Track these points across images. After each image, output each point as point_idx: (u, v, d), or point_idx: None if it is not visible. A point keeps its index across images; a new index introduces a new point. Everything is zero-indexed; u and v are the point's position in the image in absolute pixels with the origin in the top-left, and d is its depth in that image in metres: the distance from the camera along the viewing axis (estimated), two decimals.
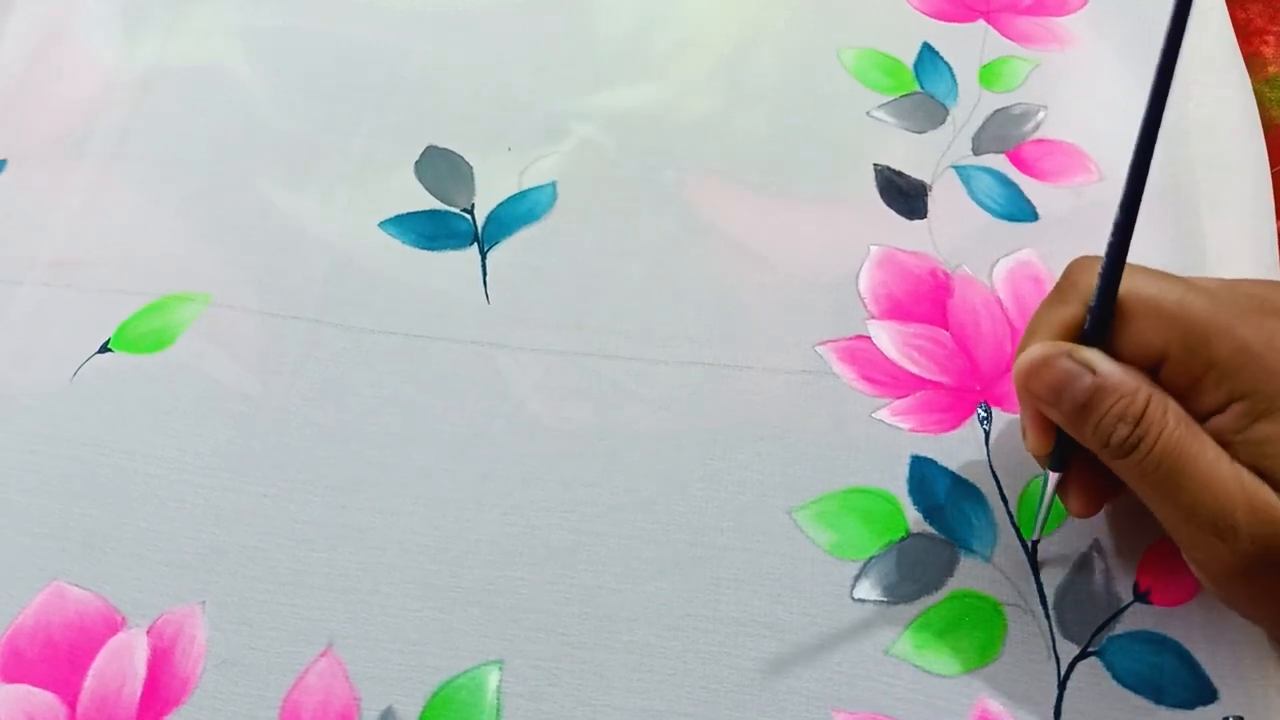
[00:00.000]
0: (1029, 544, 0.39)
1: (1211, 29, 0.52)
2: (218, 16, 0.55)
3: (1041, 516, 0.38)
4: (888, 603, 0.38)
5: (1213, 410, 0.31)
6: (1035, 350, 0.33)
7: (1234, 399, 0.31)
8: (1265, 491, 0.30)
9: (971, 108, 0.50)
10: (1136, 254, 0.45)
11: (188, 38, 0.54)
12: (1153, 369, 0.32)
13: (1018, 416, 0.41)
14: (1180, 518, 0.32)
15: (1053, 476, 0.36)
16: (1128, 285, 0.32)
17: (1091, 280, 0.32)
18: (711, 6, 0.55)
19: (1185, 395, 0.32)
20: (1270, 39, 0.54)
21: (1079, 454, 0.35)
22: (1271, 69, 0.53)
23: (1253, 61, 0.52)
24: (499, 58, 0.53)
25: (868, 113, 0.50)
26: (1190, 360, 0.31)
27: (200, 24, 0.55)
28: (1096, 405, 0.32)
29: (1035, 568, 0.38)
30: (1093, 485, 0.36)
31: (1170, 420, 0.31)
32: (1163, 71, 0.28)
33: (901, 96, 0.51)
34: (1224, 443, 0.31)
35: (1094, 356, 0.32)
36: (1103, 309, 0.32)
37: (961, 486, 0.40)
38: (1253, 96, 0.50)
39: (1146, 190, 0.47)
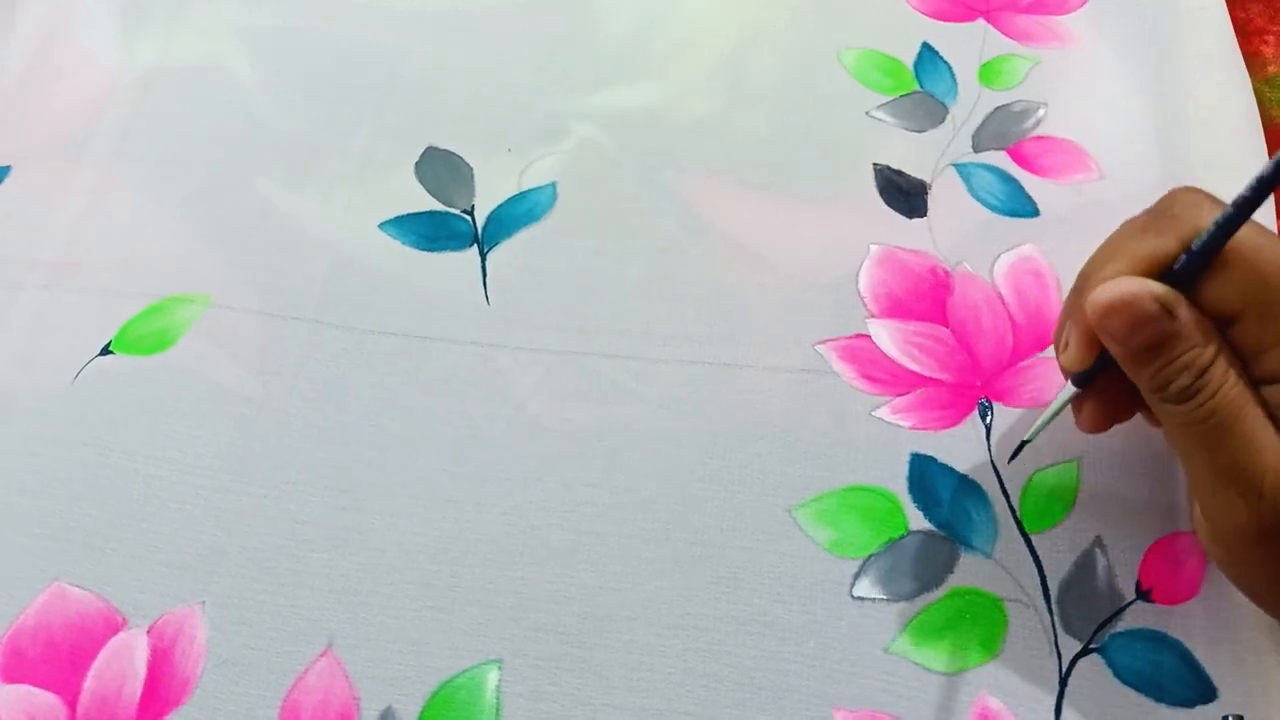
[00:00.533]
0: (1019, 445, 0.40)
1: (1211, 29, 0.52)
2: (218, 17, 0.55)
3: (1045, 422, 0.38)
4: (887, 600, 0.38)
5: (1270, 379, 0.31)
6: (1120, 285, 0.32)
7: None
8: None
9: (971, 106, 0.50)
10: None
11: (188, 38, 0.54)
12: (1224, 322, 0.32)
13: (1019, 412, 0.41)
14: (1212, 471, 0.32)
15: (1068, 390, 0.36)
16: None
17: (1196, 218, 0.31)
18: (711, 6, 0.55)
19: (1248, 357, 0.32)
20: (1270, 39, 0.54)
21: (1105, 375, 0.34)
22: (1271, 68, 0.53)
23: (1253, 61, 0.51)
24: (499, 58, 0.53)
25: (867, 112, 0.50)
26: (1263, 328, 0.31)
27: (200, 24, 0.55)
28: (1167, 350, 0.32)
29: (1039, 562, 0.38)
30: (1109, 406, 0.36)
31: (1231, 378, 0.31)
32: None
33: (901, 96, 0.51)
34: (1271, 412, 0.31)
35: (1176, 301, 0.31)
36: (1204, 258, 0.31)
37: (962, 483, 0.40)
38: (1253, 96, 0.50)
39: (1143, 191, 0.47)
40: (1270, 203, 0.46)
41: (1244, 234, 0.31)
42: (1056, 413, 0.37)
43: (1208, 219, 0.31)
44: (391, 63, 0.53)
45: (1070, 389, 0.36)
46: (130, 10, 0.55)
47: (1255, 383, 0.32)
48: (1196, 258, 0.31)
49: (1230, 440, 0.31)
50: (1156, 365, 0.32)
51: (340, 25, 0.54)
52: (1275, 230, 0.46)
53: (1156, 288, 0.31)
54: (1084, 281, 0.34)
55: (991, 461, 0.41)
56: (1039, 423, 0.39)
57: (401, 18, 0.54)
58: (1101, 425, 0.37)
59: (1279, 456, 0.31)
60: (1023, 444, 0.39)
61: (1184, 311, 0.31)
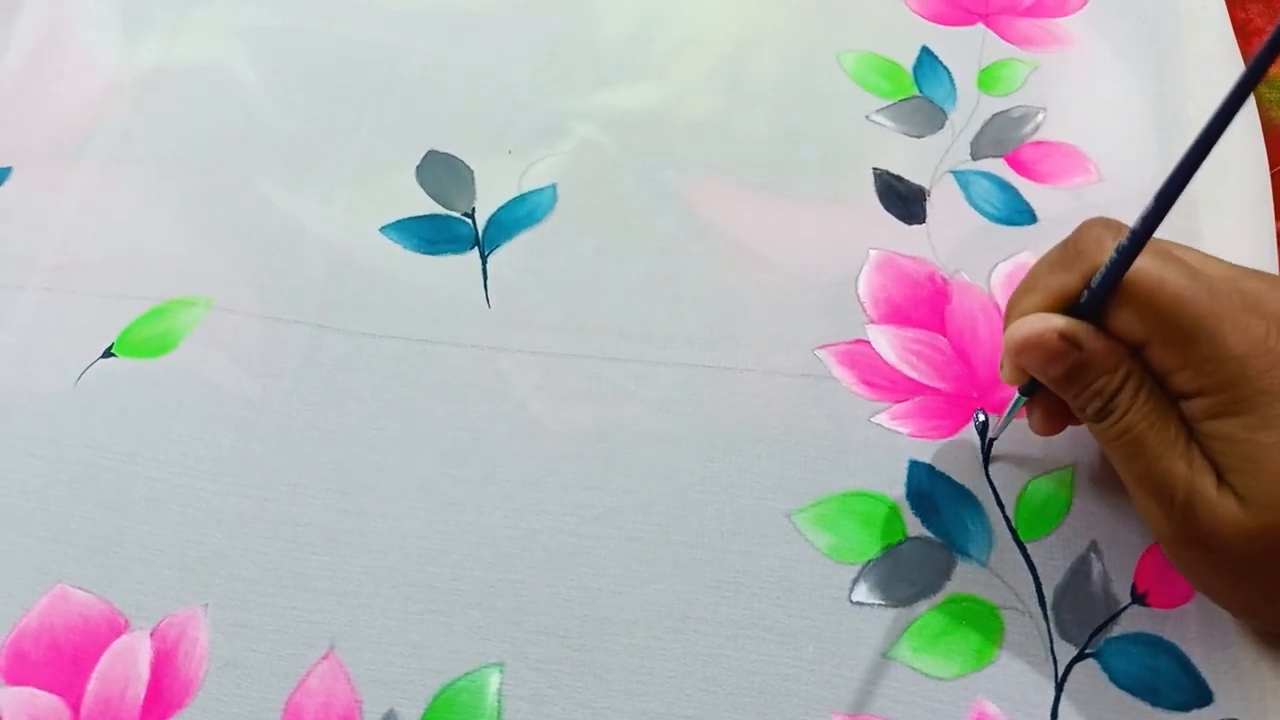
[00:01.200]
0: (988, 443, 0.41)
1: (1211, 29, 0.52)
2: (219, 18, 0.55)
3: (1004, 421, 0.40)
4: (885, 606, 0.38)
5: (1184, 394, 0.33)
6: (1029, 324, 0.34)
7: (1203, 393, 0.32)
8: (1205, 478, 0.33)
9: (970, 112, 0.50)
10: None
11: (189, 39, 0.54)
12: (1136, 345, 0.33)
13: (1015, 422, 0.41)
14: (1133, 481, 0.35)
15: (1017, 398, 0.38)
16: (1133, 264, 0.32)
17: (1098, 256, 0.33)
18: (711, 7, 0.55)
19: (1162, 374, 0.33)
20: None
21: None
22: (1271, 69, 0.53)
23: None
24: (499, 58, 0.53)
25: (867, 116, 0.50)
26: (1167, 353, 0.33)
27: (201, 25, 0.54)
28: (1077, 379, 0.34)
29: (1034, 570, 0.39)
30: (1056, 411, 0.38)
31: (1140, 399, 0.33)
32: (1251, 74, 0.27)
33: (900, 101, 0.51)
34: (1190, 425, 0.33)
35: (1082, 333, 0.33)
36: (1103, 294, 0.33)
37: (958, 492, 0.40)
38: (1252, 97, 0.50)
39: (1143, 192, 0.47)
40: (1270, 206, 0.47)
41: (1145, 266, 0.32)
42: (1012, 413, 0.39)
43: (1109, 255, 0.32)
44: (391, 63, 0.53)
45: (1019, 397, 0.38)
46: (131, 10, 0.55)
47: (1173, 396, 0.33)
48: (1096, 295, 0.33)
49: (1143, 453, 0.33)
50: (1072, 392, 0.34)
51: (340, 25, 0.54)
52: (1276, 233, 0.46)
53: (1061, 324, 0.34)
54: (1008, 311, 0.36)
55: (986, 472, 0.41)
56: (1000, 423, 0.40)
57: (401, 18, 0.54)
58: (1052, 428, 0.38)
59: (1189, 470, 0.33)
60: (991, 441, 0.41)
61: (1091, 342, 0.33)
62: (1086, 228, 0.35)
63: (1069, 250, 0.35)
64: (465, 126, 0.51)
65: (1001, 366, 0.38)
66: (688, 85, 0.52)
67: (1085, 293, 0.33)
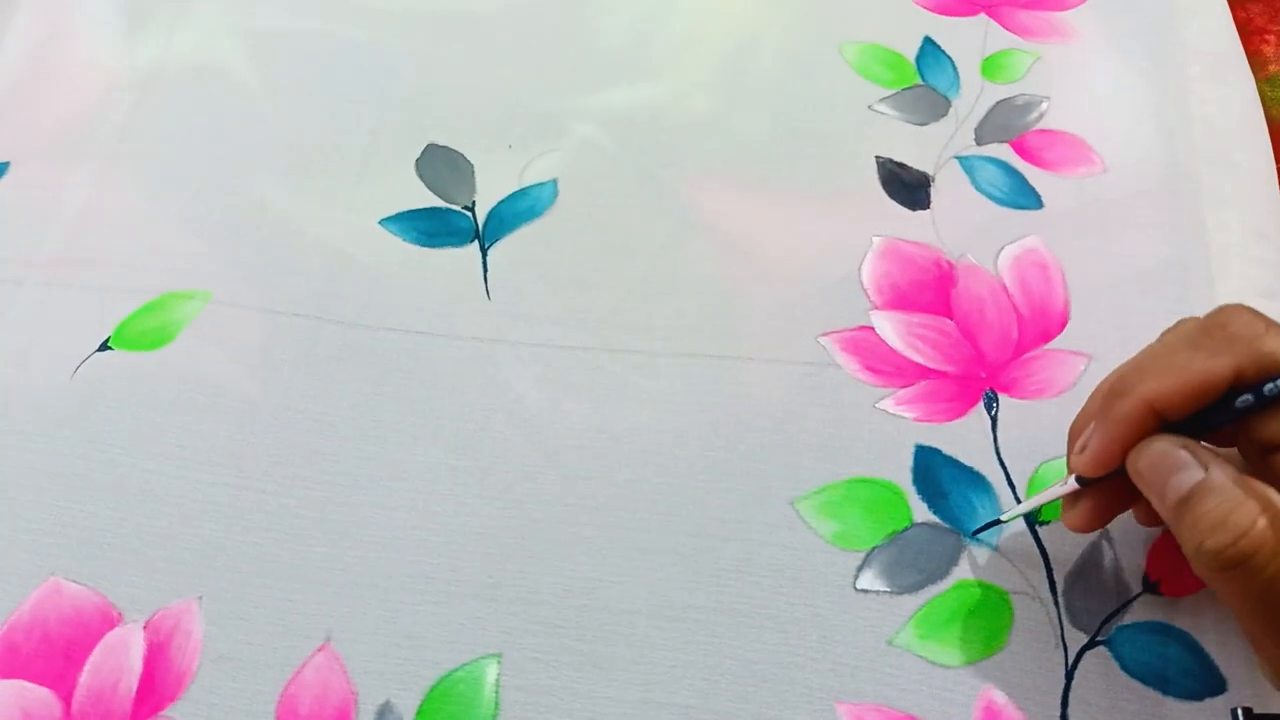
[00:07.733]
0: (994, 522, 0.38)
1: (1212, 24, 0.52)
2: (219, 17, 0.55)
3: (1027, 506, 0.37)
4: (891, 593, 0.38)
5: None
6: (1156, 444, 0.31)
7: None
8: None
9: (974, 99, 0.50)
10: (1133, 248, 0.45)
11: (189, 38, 0.54)
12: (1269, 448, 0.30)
13: (1025, 402, 0.41)
14: (1275, 641, 0.30)
15: (1067, 485, 0.35)
16: None
17: (1253, 340, 0.29)
18: (712, 3, 0.55)
19: None
20: (1271, 38, 0.54)
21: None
22: (1272, 68, 0.53)
23: (1253, 60, 0.51)
24: (499, 58, 0.53)
25: (869, 106, 0.50)
26: None
27: (202, 24, 0.55)
28: (1196, 503, 0.29)
29: (1045, 555, 0.38)
30: (1104, 507, 0.34)
31: None
32: None
33: (903, 90, 0.51)
34: None
35: (1210, 458, 0.30)
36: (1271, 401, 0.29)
37: (967, 475, 0.40)
38: (1257, 95, 0.50)
39: (1147, 186, 0.47)
40: (1274, 204, 0.46)
41: None
42: (1043, 504, 0.36)
43: (1269, 343, 0.29)
44: (391, 63, 0.53)
45: (1070, 483, 0.35)
46: (132, 10, 0.55)
47: None
48: (1266, 401, 0.29)
49: None
50: (1188, 522, 0.29)
51: (340, 25, 0.54)
52: None
53: (1183, 440, 0.30)
54: (1121, 385, 0.32)
55: (997, 453, 0.40)
56: (1020, 508, 0.37)
57: (401, 18, 0.54)
58: (1093, 525, 0.35)
59: None
60: (996, 522, 0.38)
61: (1218, 473, 0.29)
62: (1232, 310, 0.31)
63: (1213, 332, 0.30)
64: (465, 125, 0.50)
65: (1080, 449, 0.33)
66: (689, 82, 0.52)
67: (1248, 398, 0.30)
